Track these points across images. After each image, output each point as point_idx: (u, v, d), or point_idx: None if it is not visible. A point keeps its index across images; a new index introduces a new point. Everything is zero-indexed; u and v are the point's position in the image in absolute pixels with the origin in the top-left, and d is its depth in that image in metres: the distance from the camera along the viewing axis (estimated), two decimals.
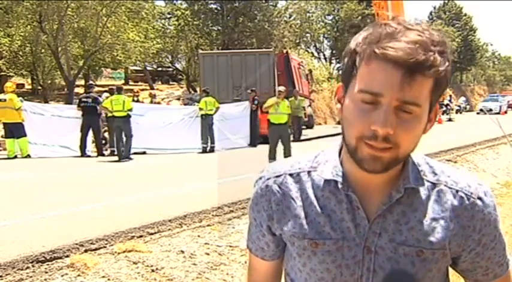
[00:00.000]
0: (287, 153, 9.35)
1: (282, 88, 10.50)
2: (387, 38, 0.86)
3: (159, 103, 17.53)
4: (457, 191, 0.97)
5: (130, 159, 11.16)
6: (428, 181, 0.98)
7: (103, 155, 11.98)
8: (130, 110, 11.30)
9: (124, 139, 11.14)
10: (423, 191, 0.97)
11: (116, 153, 12.01)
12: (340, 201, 0.97)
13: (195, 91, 26.39)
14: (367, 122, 0.86)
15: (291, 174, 1.03)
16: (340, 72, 1.00)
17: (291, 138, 10.73)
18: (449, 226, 0.95)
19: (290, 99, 14.99)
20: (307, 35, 36.19)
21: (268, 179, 1.05)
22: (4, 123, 11.92)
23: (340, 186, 0.97)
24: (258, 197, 1.05)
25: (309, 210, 0.99)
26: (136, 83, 33.33)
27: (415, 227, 0.94)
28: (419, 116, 0.88)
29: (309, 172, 1.02)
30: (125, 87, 28.33)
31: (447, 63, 0.87)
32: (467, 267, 1.00)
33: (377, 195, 0.96)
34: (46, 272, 3.93)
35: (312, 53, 37.18)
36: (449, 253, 0.96)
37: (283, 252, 1.08)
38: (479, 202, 0.97)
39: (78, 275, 3.97)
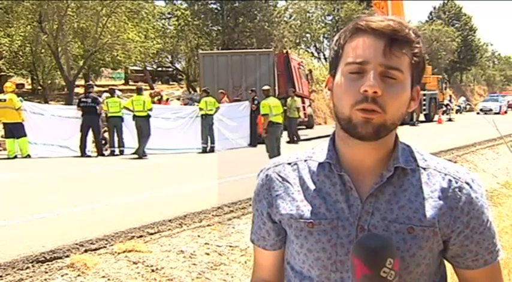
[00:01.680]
0: (269, 153, 9.29)
1: (264, 87, 10.49)
2: (367, 17, 0.99)
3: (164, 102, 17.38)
4: (445, 174, 1.03)
5: (145, 157, 11.44)
6: (418, 165, 1.04)
7: (103, 155, 11.98)
8: (150, 110, 11.67)
9: (142, 138, 11.51)
10: (413, 174, 1.03)
11: (115, 153, 12.06)
12: (334, 183, 1.03)
13: (195, 91, 26.39)
14: (357, 88, 0.95)
15: (289, 163, 1.11)
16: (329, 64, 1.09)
17: (287, 139, 10.69)
18: (437, 205, 1.00)
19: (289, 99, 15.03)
20: (307, 35, 36.23)
21: (268, 169, 1.13)
22: (4, 123, 11.91)
23: (333, 167, 1.03)
24: (259, 187, 1.12)
25: (305, 194, 1.05)
26: (136, 83, 33.23)
27: (405, 206, 0.99)
28: (403, 82, 0.97)
29: (305, 160, 1.10)
30: (124, 87, 28.52)
31: (420, 44, 0.99)
32: (457, 252, 1.03)
33: (369, 176, 1.02)
34: (46, 272, 3.93)
35: (312, 53, 37.20)
36: (439, 233, 0.99)
37: (284, 242, 1.12)
38: (466, 186, 1.02)
39: (78, 275, 3.97)
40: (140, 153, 11.37)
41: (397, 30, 0.95)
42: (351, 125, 0.96)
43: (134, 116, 11.56)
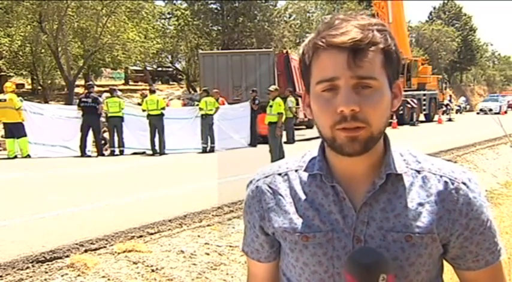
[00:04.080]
0: (271, 153, 9.42)
1: (271, 87, 10.52)
2: (326, 30, 0.93)
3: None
4: (441, 176, 0.99)
5: (165, 154, 11.97)
6: (412, 169, 1.00)
7: (103, 155, 11.98)
8: (163, 108, 12.18)
9: (157, 136, 12.05)
10: (407, 178, 0.99)
11: (115, 153, 12.06)
12: (327, 194, 0.99)
13: (195, 91, 26.38)
14: (333, 107, 0.91)
15: (279, 174, 1.06)
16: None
17: (284, 140, 10.71)
18: (434, 210, 0.96)
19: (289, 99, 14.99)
20: (307, 35, 36.14)
21: (258, 180, 1.09)
22: (4, 123, 11.91)
23: (324, 178, 0.99)
24: (250, 199, 1.10)
25: (298, 205, 1.01)
26: (136, 83, 33.33)
27: (401, 213, 0.96)
28: (379, 89, 0.92)
29: (296, 170, 1.05)
30: (124, 87, 28.51)
31: (389, 40, 0.93)
32: (457, 254, 1.00)
33: (362, 185, 0.98)
34: (46, 272, 3.93)
35: None
36: (438, 238, 0.96)
37: (278, 253, 1.09)
38: (463, 187, 0.98)
39: (78, 275, 3.98)
40: (162, 151, 11.97)
41: (360, 40, 0.89)
42: (336, 145, 0.93)
43: (148, 115, 11.94)
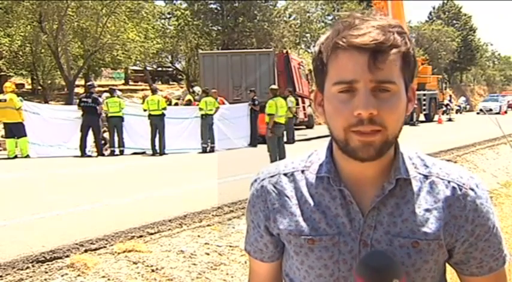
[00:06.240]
0: (270, 153, 9.39)
1: (273, 86, 10.46)
2: (346, 29, 0.90)
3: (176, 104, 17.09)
4: (449, 182, 0.98)
5: (165, 154, 12.04)
6: (420, 173, 0.99)
7: (103, 155, 11.98)
8: (164, 108, 12.19)
9: (158, 136, 12.10)
10: (415, 183, 0.98)
11: (115, 153, 12.06)
12: (334, 197, 0.98)
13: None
14: (350, 110, 0.88)
15: (285, 174, 1.04)
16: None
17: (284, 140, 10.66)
18: (441, 216, 0.95)
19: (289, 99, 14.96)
20: (307, 35, 36.23)
21: (263, 179, 1.06)
22: (4, 123, 11.91)
23: (331, 181, 0.98)
24: (254, 198, 1.06)
25: (304, 207, 1.00)
26: (136, 83, 33.32)
27: (409, 219, 0.95)
28: (397, 93, 0.91)
29: (302, 171, 1.03)
30: (124, 87, 28.50)
31: (408, 44, 0.92)
32: (461, 259, 1.00)
33: (370, 189, 0.97)
34: (46, 272, 3.93)
35: (312, 53, 37.17)
36: (444, 244, 0.96)
37: (282, 253, 1.08)
38: (471, 193, 0.97)
39: (78, 275, 3.98)
40: (163, 151, 12.03)
41: (381, 42, 0.87)
42: (349, 149, 0.91)
43: (149, 115, 11.99)
